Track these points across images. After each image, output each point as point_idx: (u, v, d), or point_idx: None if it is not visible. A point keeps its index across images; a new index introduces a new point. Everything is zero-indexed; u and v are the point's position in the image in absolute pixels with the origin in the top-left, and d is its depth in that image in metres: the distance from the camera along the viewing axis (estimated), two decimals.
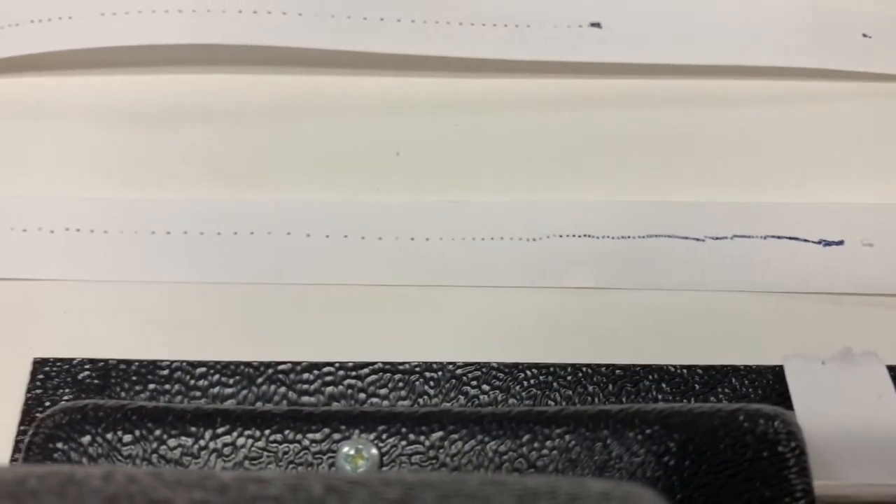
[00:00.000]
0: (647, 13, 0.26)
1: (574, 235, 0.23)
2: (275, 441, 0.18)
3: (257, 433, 0.18)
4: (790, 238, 0.23)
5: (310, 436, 0.18)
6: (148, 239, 0.23)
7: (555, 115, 0.25)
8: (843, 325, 0.22)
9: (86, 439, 0.18)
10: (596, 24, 0.25)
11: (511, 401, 0.21)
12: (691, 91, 0.25)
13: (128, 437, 0.18)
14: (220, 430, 0.18)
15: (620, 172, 0.24)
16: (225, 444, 0.18)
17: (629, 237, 0.23)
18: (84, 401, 0.19)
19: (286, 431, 0.18)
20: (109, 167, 0.25)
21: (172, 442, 0.18)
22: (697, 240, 0.23)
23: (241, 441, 0.18)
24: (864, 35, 0.25)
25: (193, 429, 0.18)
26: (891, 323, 0.22)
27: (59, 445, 0.18)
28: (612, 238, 0.23)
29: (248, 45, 0.24)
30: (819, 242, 0.23)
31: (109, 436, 0.18)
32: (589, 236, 0.23)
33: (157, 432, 0.18)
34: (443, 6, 0.25)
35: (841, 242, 0.23)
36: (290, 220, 0.23)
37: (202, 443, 0.18)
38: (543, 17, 0.25)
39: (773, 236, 0.23)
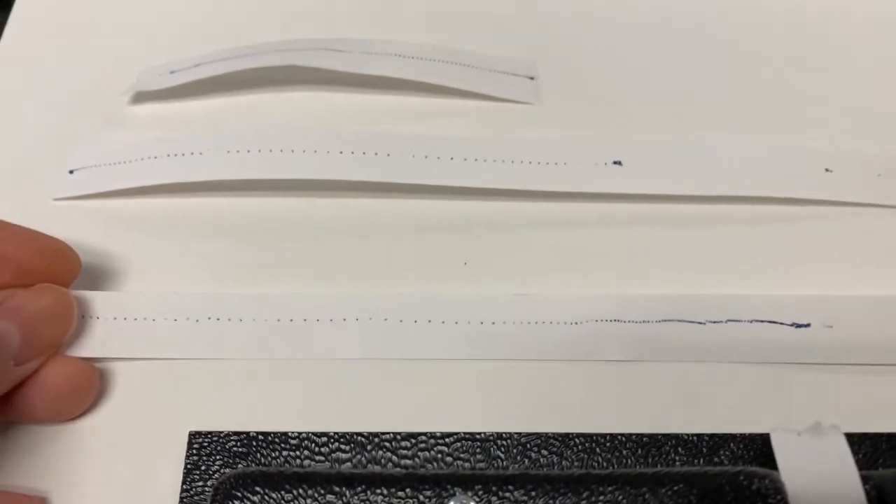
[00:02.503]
0: (657, 155, 0.32)
1: (607, 321, 0.29)
2: (398, 497, 0.24)
3: (385, 491, 0.24)
4: (770, 322, 0.29)
5: (424, 492, 0.24)
6: (273, 325, 0.29)
7: (588, 231, 0.31)
8: (811, 387, 0.28)
9: (256, 498, 0.24)
10: (618, 163, 0.31)
11: (564, 463, 0.27)
12: (693, 213, 0.31)
13: (288, 496, 0.24)
14: (357, 489, 0.24)
15: (640, 273, 0.30)
16: (361, 500, 0.24)
17: (648, 321, 0.29)
18: (251, 468, 0.25)
19: (406, 489, 0.24)
20: (240, 270, 0.30)
21: (321, 499, 0.24)
22: (700, 323, 0.29)
23: (373, 497, 0.24)
24: (827, 170, 0.31)
25: (337, 488, 0.24)
26: (847, 385, 0.28)
27: (236, 503, 0.24)
28: (636, 322, 0.29)
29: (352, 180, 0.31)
30: (792, 325, 0.29)
31: (274, 495, 0.24)
32: (618, 321, 0.29)
33: (311, 492, 0.24)
34: (502, 148, 0.31)
35: (808, 325, 0.29)
36: (390, 309, 0.29)
37: (344, 499, 0.24)
38: (577, 157, 0.31)
39: (757, 320, 0.29)
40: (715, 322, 0.29)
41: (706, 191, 0.31)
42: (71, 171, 0.33)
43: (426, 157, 0.31)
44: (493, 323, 0.29)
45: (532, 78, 0.35)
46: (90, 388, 0.28)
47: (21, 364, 0.26)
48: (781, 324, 0.29)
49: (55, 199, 0.32)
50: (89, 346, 0.29)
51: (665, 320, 0.29)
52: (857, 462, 0.26)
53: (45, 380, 0.27)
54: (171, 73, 0.34)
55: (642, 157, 0.32)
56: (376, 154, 0.31)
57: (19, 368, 0.26)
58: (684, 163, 0.32)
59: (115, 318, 0.29)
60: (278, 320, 0.29)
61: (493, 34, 0.36)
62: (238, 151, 0.31)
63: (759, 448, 0.27)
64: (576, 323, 0.29)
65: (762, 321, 0.29)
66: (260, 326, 0.29)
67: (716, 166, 0.32)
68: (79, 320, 0.28)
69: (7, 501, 0.26)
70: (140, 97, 0.35)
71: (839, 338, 0.29)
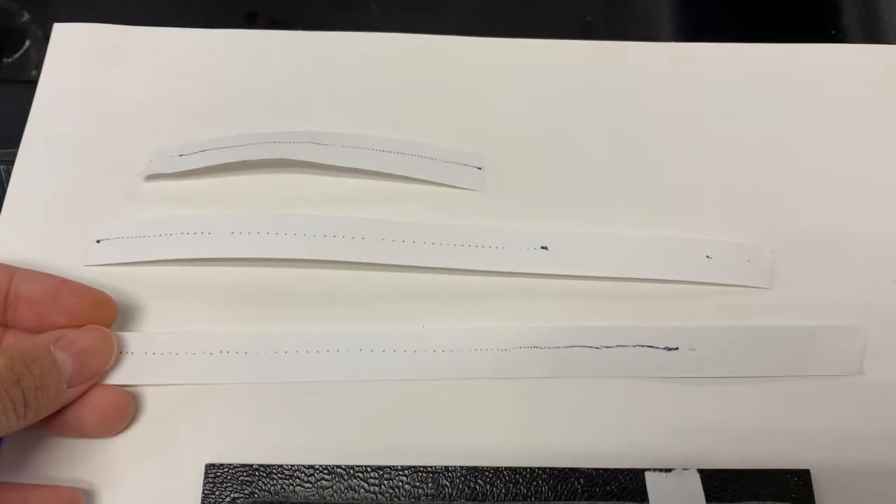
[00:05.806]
0: (575, 243, 0.39)
1: (530, 347, 0.37)
2: None
3: None
4: (650, 346, 0.37)
5: None
6: (272, 356, 0.37)
7: (520, 300, 0.39)
8: (679, 393, 0.37)
9: None
10: (544, 248, 0.39)
11: (494, 490, 0.35)
12: (600, 288, 0.39)
13: None
14: None
15: (556, 316, 0.38)
16: None
17: (559, 347, 0.37)
18: (263, 498, 0.33)
19: None
20: (238, 318, 0.38)
21: None
22: (597, 348, 0.37)
23: None
24: (707, 256, 0.39)
25: None
26: (705, 392, 0.37)
27: None
28: (551, 348, 0.37)
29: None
30: (664, 348, 0.37)
31: None
32: (537, 347, 0.37)
33: None
34: (454, 234, 0.39)
35: (677, 348, 0.37)
36: (364, 342, 0.37)
37: None
38: (511, 243, 0.39)
39: (640, 345, 0.37)
40: (608, 347, 0.37)
41: (612, 273, 0.39)
42: (98, 241, 0.39)
43: (393, 240, 0.39)
44: (451, 351, 0.37)
45: (479, 168, 0.42)
46: (129, 409, 0.36)
47: (72, 387, 0.34)
48: (657, 347, 0.38)
49: (85, 265, 0.39)
50: (126, 375, 0.36)
51: (572, 346, 0.37)
52: (711, 490, 0.35)
53: (93, 402, 0.35)
54: (181, 156, 0.41)
55: (563, 244, 0.40)
56: (353, 238, 0.38)
57: (70, 390, 0.34)
58: (596, 249, 0.40)
59: (145, 353, 0.36)
60: (276, 352, 0.37)
61: (448, 130, 0.43)
62: (241, 233, 0.38)
63: (641, 481, 0.36)
64: (506, 349, 0.37)
65: (644, 346, 0.37)
66: (260, 357, 0.37)
67: (621, 253, 0.40)
68: (118, 355, 0.36)
69: (52, 491, 0.34)
70: (154, 176, 0.41)
71: (699, 357, 0.38)
